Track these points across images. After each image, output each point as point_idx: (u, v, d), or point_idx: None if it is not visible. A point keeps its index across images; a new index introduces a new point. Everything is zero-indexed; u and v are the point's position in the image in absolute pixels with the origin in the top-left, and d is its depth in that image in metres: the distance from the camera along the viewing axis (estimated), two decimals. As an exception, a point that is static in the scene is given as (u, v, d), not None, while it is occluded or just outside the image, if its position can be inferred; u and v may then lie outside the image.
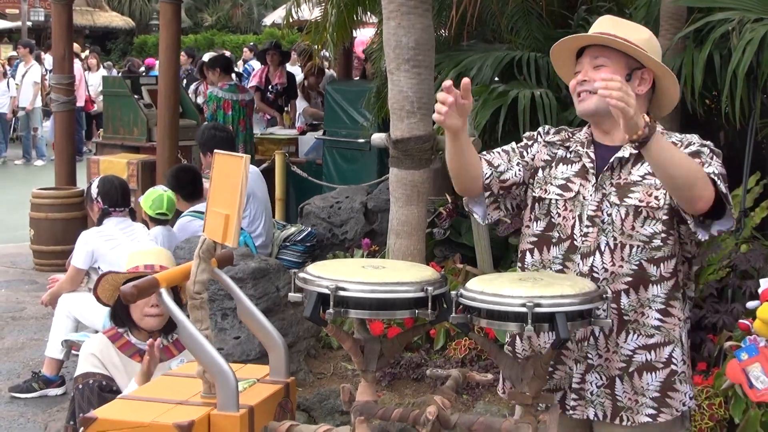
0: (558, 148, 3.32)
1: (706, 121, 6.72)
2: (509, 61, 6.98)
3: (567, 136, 3.34)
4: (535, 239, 3.31)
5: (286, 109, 13.11)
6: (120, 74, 18.04)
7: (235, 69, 13.76)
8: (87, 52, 21.94)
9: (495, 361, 3.28)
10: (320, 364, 5.52)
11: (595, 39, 3.19)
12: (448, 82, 2.98)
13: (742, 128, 5.90)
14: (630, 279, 3.15)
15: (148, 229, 6.45)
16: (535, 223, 3.30)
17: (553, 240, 3.25)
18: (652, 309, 3.15)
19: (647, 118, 2.85)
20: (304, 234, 7.47)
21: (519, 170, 3.29)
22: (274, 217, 8.33)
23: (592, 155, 3.24)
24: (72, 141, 10.93)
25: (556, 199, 3.24)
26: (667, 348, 3.19)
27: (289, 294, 3.22)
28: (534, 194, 3.29)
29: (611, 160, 3.17)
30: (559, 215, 3.24)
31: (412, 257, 5.69)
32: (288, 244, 7.40)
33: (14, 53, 21.13)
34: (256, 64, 18.07)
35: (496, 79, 7.09)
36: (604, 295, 2.98)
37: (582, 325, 3.07)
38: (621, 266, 3.15)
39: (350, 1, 8.65)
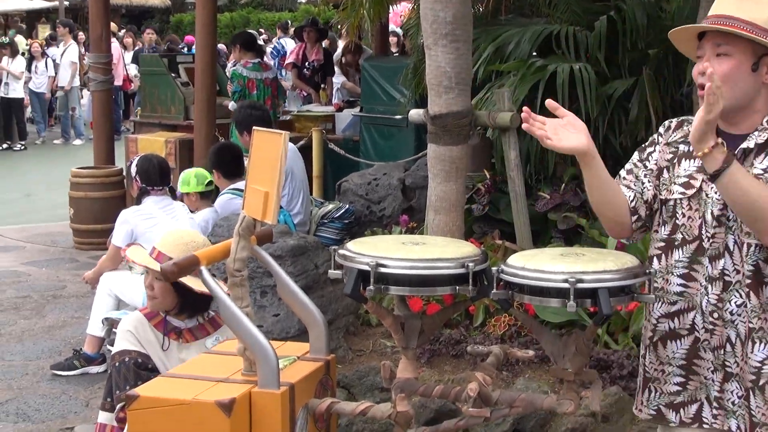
0: (680, 144, 3.05)
1: None
2: (547, 36, 6.92)
3: (689, 130, 2.95)
4: (663, 244, 3.06)
5: (322, 86, 13.08)
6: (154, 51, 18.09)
7: (260, 45, 13.66)
8: (123, 31, 22.00)
9: (536, 338, 3.26)
10: (360, 341, 5.52)
11: (715, 28, 2.89)
12: (524, 115, 2.94)
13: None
14: (749, 281, 2.90)
15: (191, 212, 6.46)
16: (662, 227, 3.06)
17: (676, 242, 3.01)
18: None
19: (721, 146, 2.72)
20: (342, 211, 7.47)
21: (649, 183, 3.08)
22: (311, 194, 8.33)
23: None
24: (110, 120, 10.98)
25: (680, 198, 2.99)
26: None
27: (329, 271, 3.22)
28: (660, 197, 3.06)
29: (735, 151, 2.89)
30: (684, 215, 2.99)
31: (451, 233, 5.67)
32: (326, 221, 7.40)
33: (52, 33, 21.21)
34: (287, 43, 18.07)
35: (534, 53, 7.03)
36: (648, 270, 2.95)
37: (625, 302, 3.04)
38: (741, 267, 2.92)
39: (387, -24, 8.61)
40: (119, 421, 4.15)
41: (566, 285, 2.83)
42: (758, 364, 2.90)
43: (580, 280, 2.83)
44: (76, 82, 18.30)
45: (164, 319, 4.20)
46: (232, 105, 9.71)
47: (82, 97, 18.50)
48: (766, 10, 2.88)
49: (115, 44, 16.17)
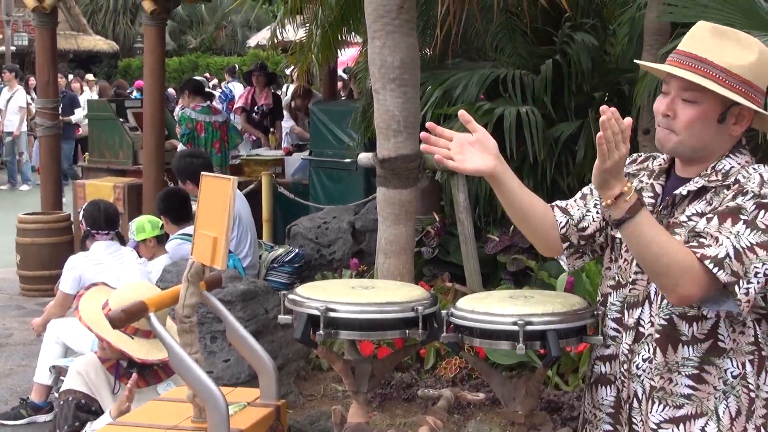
0: (635, 179, 2.84)
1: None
2: (494, 79, 6.99)
3: (647, 165, 2.88)
4: (612, 282, 2.86)
5: (272, 130, 13.09)
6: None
7: (209, 90, 13.74)
8: (71, 76, 21.89)
9: (486, 380, 3.27)
10: (310, 385, 5.49)
11: (684, 75, 2.62)
12: (423, 135, 2.76)
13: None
14: (658, 336, 2.69)
15: (140, 257, 6.41)
16: (612, 265, 2.87)
17: (615, 284, 2.84)
18: (682, 374, 2.66)
19: (630, 194, 2.50)
20: (292, 255, 7.46)
21: (597, 213, 2.88)
22: (261, 238, 8.31)
23: (659, 188, 2.79)
24: (58, 165, 10.89)
25: (620, 238, 2.78)
26: (698, 421, 2.67)
27: (279, 316, 3.21)
28: (611, 233, 2.87)
29: (670, 195, 2.73)
30: (622, 256, 2.82)
31: (401, 276, 5.68)
32: (276, 265, 7.39)
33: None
34: (235, 87, 18.11)
35: (482, 96, 7.09)
36: (594, 312, 2.97)
37: (574, 343, 3.06)
38: (655, 319, 2.71)
39: (335, 21, 8.65)
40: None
41: (515, 327, 2.84)
42: (654, 427, 2.70)
43: (529, 323, 2.85)
44: (24, 127, 18.15)
45: (117, 363, 4.17)
46: (180, 147, 9.71)
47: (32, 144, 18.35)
48: (745, 55, 2.63)
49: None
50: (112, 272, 5.89)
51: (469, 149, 2.76)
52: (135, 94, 18.17)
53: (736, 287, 2.49)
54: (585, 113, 6.72)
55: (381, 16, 5.83)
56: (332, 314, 2.95)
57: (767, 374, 2.68)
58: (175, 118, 11.18)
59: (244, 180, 9.53)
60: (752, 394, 2.66)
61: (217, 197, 3.09)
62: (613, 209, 2.53)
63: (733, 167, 2.67)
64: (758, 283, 2.51)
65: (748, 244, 2.50)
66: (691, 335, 2.65)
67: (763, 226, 2.52)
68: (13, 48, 24.73)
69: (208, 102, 10.35)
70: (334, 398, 5.29)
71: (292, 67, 11.30)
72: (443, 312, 3.05)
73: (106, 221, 6.33)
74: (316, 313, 2.96)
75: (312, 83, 13.06)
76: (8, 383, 7.03)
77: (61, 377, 5.42)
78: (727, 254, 2.49)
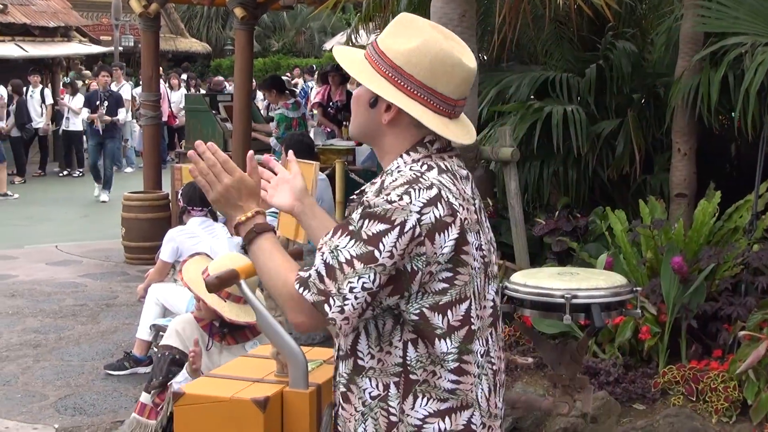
0: None
1: (720, 134, 6.64)
2: (544, 81, 6.93)
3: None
4: None
5: (345, 123, 13.10)
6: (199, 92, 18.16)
7: (291, 89, 13.92)
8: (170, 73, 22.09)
9: (535, 347, 3.25)
10: (377, 347, 5.50)
11: (336, 49, 2.31)
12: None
13: (754, 140, 5.80)
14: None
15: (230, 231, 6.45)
16: None
17: None
18: (337, 391, 2.27)
19: (248, 222, 2.23)
20: (362, 233, 7.47)
21: None
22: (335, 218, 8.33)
23: None
24: (158, 151, 11.01)
25: None
26: None
27: (353, 285, 3.21)
28: None
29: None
30: None
31: (458, 254, 5.65)
32: (347, 242, 7.40)
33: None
34: (313, 85, 18.19)
35: (532, 96, 7.04)
36: (633, 289, 2.95)
37: (614, 316, 3.04)
38: None
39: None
40: (155, 404, 4.28)
41: (562, 300, 2.83)
42: None
43: (575, 296, 2.83)
44: (129, 117, 18.37)
45: (210, 323, 4.21)
46: (273, 141, 9.81)
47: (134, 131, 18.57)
48: (407, 41, 2.17)
49: (162, 84, 16.25)
50: (205, 244, 5.94)
51: (284, 186, 2.50)
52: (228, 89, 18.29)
53: (326, 306, 2.06)
54: (624, 112, 6.64)
55: (444, 24, 5.75)
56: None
57: (416, 399, 2.14)
58: (257, 107, 11.29)
59: (321, 166, 9.54)
60: (393, 418, 2.15)
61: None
62: (238, 235, 2.27)
63: (397, 167, 2.19)
64: (357, 299, 2.05)
65: (347, 258, 2.06)
66: (344, 350, 2.23)
67: (366, 237, 2.06)
68: (120, 48, 25.00)
69: (294, 99, 10.48)
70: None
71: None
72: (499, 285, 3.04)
73: (200, 199, 6.38)
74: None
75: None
76: (114, 339, 7.13)
77: (160, 334, 5.49)
78: (315, 272, 2.08)
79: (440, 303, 2.10)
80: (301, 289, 2.09)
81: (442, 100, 2.17)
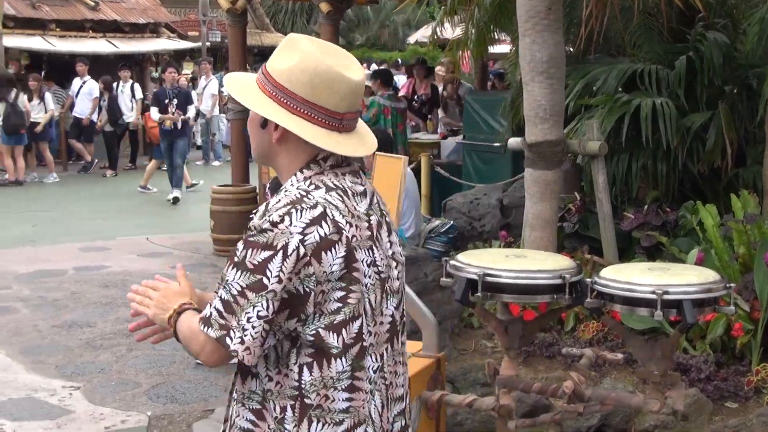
0: None
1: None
2: (632, 73, 6.83)
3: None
4: None
5: (429, 116, 13.12)
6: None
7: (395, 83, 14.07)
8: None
9: (626, 343, 3.23)
10: (462, 341, 5.51)
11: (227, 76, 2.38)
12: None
13: None
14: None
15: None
16: None
17: None
18: (245, 407, 2.24)
19: (176, 308, 2.26)
20: (447, 227, 7.47)
21: None
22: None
23: None
24: (245, 145, 11.13)
25: None
26: None
27: (441, 279, 3.23)
28: None
29: None
30: None
31: (545, 248, 5.63)
32: (433, 235, 7.41)
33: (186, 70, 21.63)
34: (399, 79, 18.19)
35: (620, 89, 6.94)
36: (726, 285, 2.90)
37: (707, 312, 2.99)
38: None
39: (488, 20, 8.59)
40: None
41: (654, 296, 2.81)
42: None
43: (667, 292, 2.80)
44: (216, 111, 18.64)
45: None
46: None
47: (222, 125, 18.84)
48: (288, 59, 2.20)
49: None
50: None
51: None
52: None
53: (227, 339, 2.09)
54: (715, 105, 6.51)
55: (531, 17, 5.78)
56: (489, 279, 2.96)
57: (311, 424, 2.15)
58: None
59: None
60: None
61: (390, 173, 3.13)
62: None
63: (286, 187, 2.20)
64: (255, 328, 2.07)
65: (239, 290, 2.08)
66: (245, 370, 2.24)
67: (251, 266, 2.07)
68: (208, 43, 25.37)
69: (392, 92, 10.63)
70: (484, 353, 5.29)
71: (446, 59, 11.34)
72: (587, 280, 3.03)
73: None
74: (475, 277, 2.97)
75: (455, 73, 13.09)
76: (203, 329, 7.25)
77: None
78: (214, 309, 2.11)
79: (335, 322, 2.11)
80: (205, 328, 2.12)
81: (327, 115, 2.17)
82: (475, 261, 3.09)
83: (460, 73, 12.32)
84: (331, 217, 2.10)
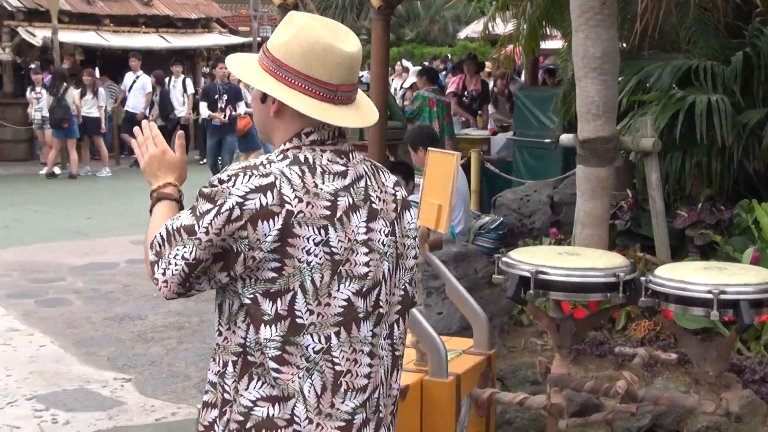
0: None
1: None
2: (686, 69, 6.73)
3: None
4: None
5: (479, 112, 13.07)
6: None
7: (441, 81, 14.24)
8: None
9: (680, 342, 3.18)
10: (512, 339, 5.47)
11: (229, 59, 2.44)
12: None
13: None
14: None
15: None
16: None
17: None
18: (213, 361, 2.30)
19: (161, 185, 2.44)
20: (497, 223, 7.43)
21: None
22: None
23: None
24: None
25: None
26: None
27: (493, 276, 3.21)
28: None
29: None
30: None
31: (596, 245, 5.57)
32: (482, 231, 7.38)
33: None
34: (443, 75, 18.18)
35: (674, 85, 6.85)
36: (785, 285, 2.85)
37: (763, 313, 2.94)
38: None
39: (540, 16, 8.53)
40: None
41: (710, 296, 2.76)
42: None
43: (723, 292, 2.76)
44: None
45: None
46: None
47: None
48: (282, 34, 2.26)
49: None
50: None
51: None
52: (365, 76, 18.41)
53: (156, 266, 2.22)
54: (772, 101, 6.41)
55: (585, 12, 5.71)
56: (542, 276, 2.94)
57: (251, 381, 2.21)
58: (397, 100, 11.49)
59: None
60: (227, 396, 2.23)
61: (443, 169, 3.11)
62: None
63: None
64: (176, 266, 2.17)
65: (178, 227, 2.20)
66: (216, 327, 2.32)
67: (196, 213, 2.18)
68: (258, 39, 25.49)
69: (436, 87, 10.82)
70: (533, 351, 5.25)
71: (497, 55, 11.32)
72: (641, 279, 2.99)
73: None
74: (527, 274, 2.95)
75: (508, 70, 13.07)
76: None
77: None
78: (160, 234, 2.24)
79: (271, 290, 2.15)
80: (151, 248, 2.25)
81: (322, 86, 2.22)
82: (527, 258, 3.06)
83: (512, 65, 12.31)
84: (278, 189, 2.14)
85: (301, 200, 2.15)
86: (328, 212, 2.18)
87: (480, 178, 9.46)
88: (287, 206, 2.14)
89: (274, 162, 2.20)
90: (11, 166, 16.93)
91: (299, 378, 2.18)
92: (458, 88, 13.10)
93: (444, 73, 19.18)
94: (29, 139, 17.92)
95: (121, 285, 8.53)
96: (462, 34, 25.39)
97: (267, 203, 2.13)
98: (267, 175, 2.16)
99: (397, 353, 2.34)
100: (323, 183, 2.20)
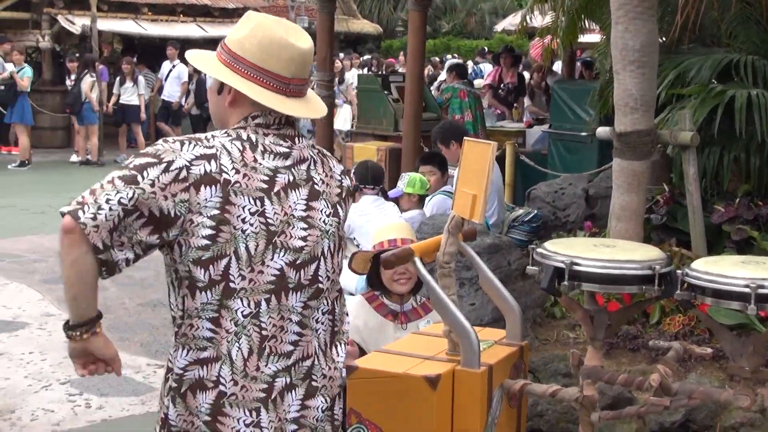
0: None
1: None
2: (727, 63, 6.66)
3: None
4: None
5: (515, 105, 13.02)
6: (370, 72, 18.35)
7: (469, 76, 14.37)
8: (341, 54, 22.41)
9: (716, 337, 3.15)
10: (545, 331, 5.45)
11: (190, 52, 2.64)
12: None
13: None
14: None
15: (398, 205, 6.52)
16: None
17: None
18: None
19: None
20: (531, 216, 7.40)
21: None
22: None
23: None
24: (331, 129, 11.27)
25: None
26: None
27: (527, 267, 3.20)
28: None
29: None
30: None
31: (631, 239, 5.52)
32: (516, 224, 7.35)
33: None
34: (485, 67, 18.11)
35: (713, 80, 6.78)
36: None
37: (802, 308, 2.89)
38: None
39: (579, 8, 8.47)
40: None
41: (747, 290, 2.73)
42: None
43: (761, 286, 2.72)
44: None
45: (383, 303, 4.26)
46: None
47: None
48: (241, 29, 2.46)
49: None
50: (375, 222, 6.02)
51: None
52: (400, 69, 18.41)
53: (80, 212, 2.22)
54: (814, 97, 6.32)
55: (624, 4, 5.66)
56: (576, 267, 2.92)
57: (178, 350, 2.43)
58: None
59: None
60: (169, 365, 2.50)
61: (478, 159, 3.09)
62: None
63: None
64: (111, 210, 2.22)
65: (109, 179, 2.29)
66: None
67: (131, 167, 2.29)
68: (295, 29, 25.56)
69: (464, 80, 10.87)
70: (566, 343, 5.23)
71: (534, 47, 11.30)
72: (678, 272, 2.96)
73: (372, 178, 6.47)
74: (562, 266, 2.93)
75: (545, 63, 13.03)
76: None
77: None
78: (80, 195, 2.29)
79: (203, 258, 2.30)
80: (64, 210, 2.26)
81: (275, 78, 2.41)
82: (562, 249, 3.04)
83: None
84: (219, 160, 2.32)
85: (238, 171, 2.33)
86: (265, 186, 2.36)
87: (515, 171, 9.43)
88: (224, 175, 2.30)
89: (217, 137, 2.38)
90: (49, 153, 17.08)
91: (227, 342, 2.34)
92: (494, 80, 13.06)
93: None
94: (66, 127, 18.07)
95: (154, 272, 8.58)
96: (499, 27, 25.29)
97: (210, 170, 2.29)
98: (210, 147, 2.33)
99: (336, 329, 2.55)
100: (263, 159, 2.38)
